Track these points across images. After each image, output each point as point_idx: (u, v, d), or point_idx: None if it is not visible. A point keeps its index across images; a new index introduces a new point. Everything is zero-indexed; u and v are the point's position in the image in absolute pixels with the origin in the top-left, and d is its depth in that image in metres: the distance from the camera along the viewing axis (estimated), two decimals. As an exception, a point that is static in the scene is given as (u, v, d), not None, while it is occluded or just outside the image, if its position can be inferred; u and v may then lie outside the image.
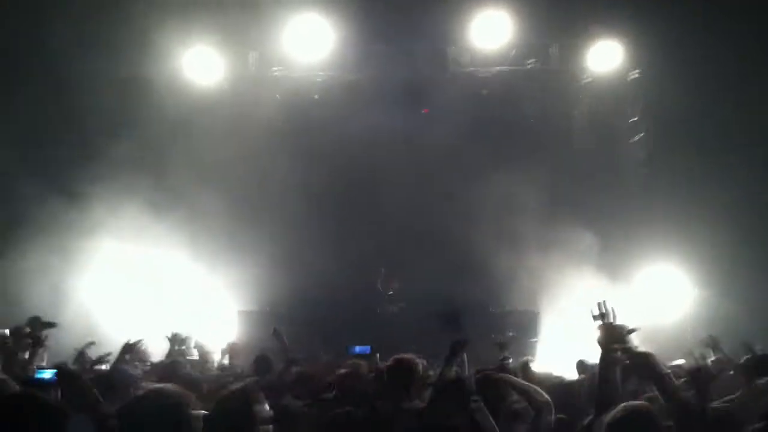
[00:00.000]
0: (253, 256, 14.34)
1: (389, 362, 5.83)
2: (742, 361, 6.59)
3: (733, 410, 5.60)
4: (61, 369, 5.35)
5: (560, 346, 11.58)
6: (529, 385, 5.47)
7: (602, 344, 4.86)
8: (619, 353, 4.82)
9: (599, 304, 4.92)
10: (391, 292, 15.41)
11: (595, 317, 4.93)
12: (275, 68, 16.45)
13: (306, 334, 12.44)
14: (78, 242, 13.03)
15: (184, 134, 15.22)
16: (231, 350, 8.57)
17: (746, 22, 13.54)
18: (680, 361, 9.23)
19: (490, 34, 15.38)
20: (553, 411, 5.13)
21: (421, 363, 5.82)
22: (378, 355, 6.97)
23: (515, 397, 5.48)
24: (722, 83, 13.94)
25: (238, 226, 14.93)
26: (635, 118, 16.15)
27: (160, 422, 3.61)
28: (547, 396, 5.27)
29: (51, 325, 7.60)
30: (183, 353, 8.07)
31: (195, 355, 8.56)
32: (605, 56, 15.57)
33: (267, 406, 4.49)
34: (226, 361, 8.53)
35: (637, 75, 15.85)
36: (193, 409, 3.75)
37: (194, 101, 15.88)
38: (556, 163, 15.54)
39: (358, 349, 7.92)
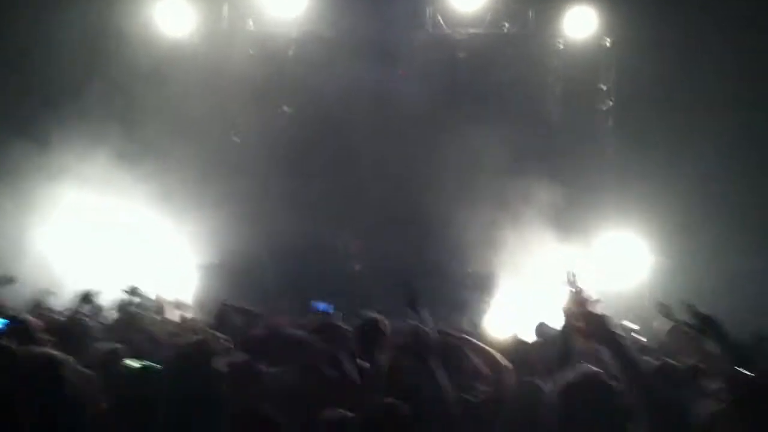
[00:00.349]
0: (218, 209, 14.26)
1: (358, 322, 5.83)
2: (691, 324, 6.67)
3: (685, 371, 5.70)
4: (12, 318, 5.26)
5: (519, 308, 11.63)
6: (489, 348, 5.50)
7: (567, 313, 4.84)
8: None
9: (569, 274, 4.87)
10: (350, 253, 15.49)
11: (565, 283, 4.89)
12: (249, 22, 16.21)
13: (267, 290, 12.38)
14: (40, 189, 12.81)
15: (155, 86, 14.93)
16: (180, 306, 8.49)
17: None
18: (633, 326, 9.39)
19: (468, -5, 15.28)
20: (513, 374, 5.17)
21: (386, 323, 5.82)
22: (341, 314, 6.94)
23: (476, 358, 5.51)
24: (693, 55, 14.06)
25: (205, 179, 14.80)
26: (606, 86, 16.21)
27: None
28: (506, 361, 5.31)
29: (9, 280, 7.46)
30: (141, 306, 7.98)
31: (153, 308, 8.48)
32: (580, 22, 15.61)
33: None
34: (188, 315, 8.48)
35: (609, 43, 15.85)
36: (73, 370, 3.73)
37: (165, 53, 15.61)
38: (526, 128, 15.53)
39: (321, 306, 7.91)
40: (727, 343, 4.88)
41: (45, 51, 13.98)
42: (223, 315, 7.60)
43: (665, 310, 7.97)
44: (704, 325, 5.08)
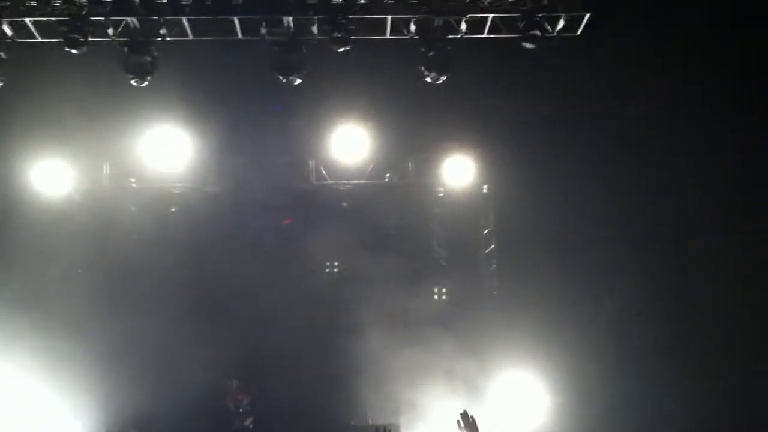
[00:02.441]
0: (100, 372, 13.64)
1: None
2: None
3: None
4: None
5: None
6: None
7: None
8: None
9: (463, 414, 4.90)
10: (240, 409, 15.03)
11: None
12: (130, 180, 16.12)
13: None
14: None
15: (36, 244, 14.77)
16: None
17: (579, 145, 14.64)
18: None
19: (349, 149, 15.66)
20: None
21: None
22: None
23: None
24: (565, 197, 14.82)
25: (83, 340, 14.20)
26: (487, 230, 16.80)
27: None
28: None
29: None
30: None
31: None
32: (458, 171, 16.17)
33: None
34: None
35: (486, 189, 16.56)
36: None
37: (44, 212, 15.27)
38: (413, 273, 15.80)
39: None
40: None
41: None
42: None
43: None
44: None
